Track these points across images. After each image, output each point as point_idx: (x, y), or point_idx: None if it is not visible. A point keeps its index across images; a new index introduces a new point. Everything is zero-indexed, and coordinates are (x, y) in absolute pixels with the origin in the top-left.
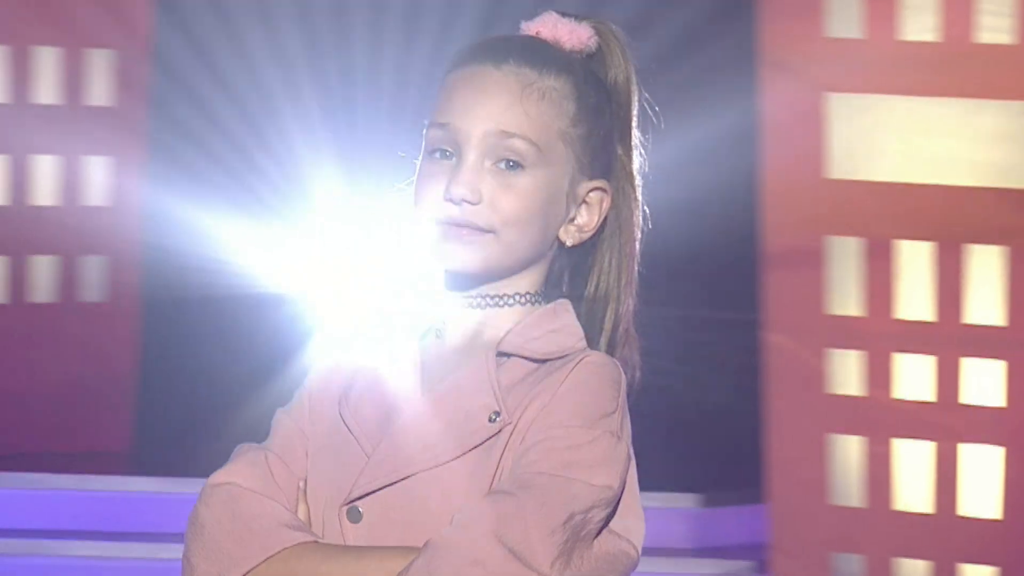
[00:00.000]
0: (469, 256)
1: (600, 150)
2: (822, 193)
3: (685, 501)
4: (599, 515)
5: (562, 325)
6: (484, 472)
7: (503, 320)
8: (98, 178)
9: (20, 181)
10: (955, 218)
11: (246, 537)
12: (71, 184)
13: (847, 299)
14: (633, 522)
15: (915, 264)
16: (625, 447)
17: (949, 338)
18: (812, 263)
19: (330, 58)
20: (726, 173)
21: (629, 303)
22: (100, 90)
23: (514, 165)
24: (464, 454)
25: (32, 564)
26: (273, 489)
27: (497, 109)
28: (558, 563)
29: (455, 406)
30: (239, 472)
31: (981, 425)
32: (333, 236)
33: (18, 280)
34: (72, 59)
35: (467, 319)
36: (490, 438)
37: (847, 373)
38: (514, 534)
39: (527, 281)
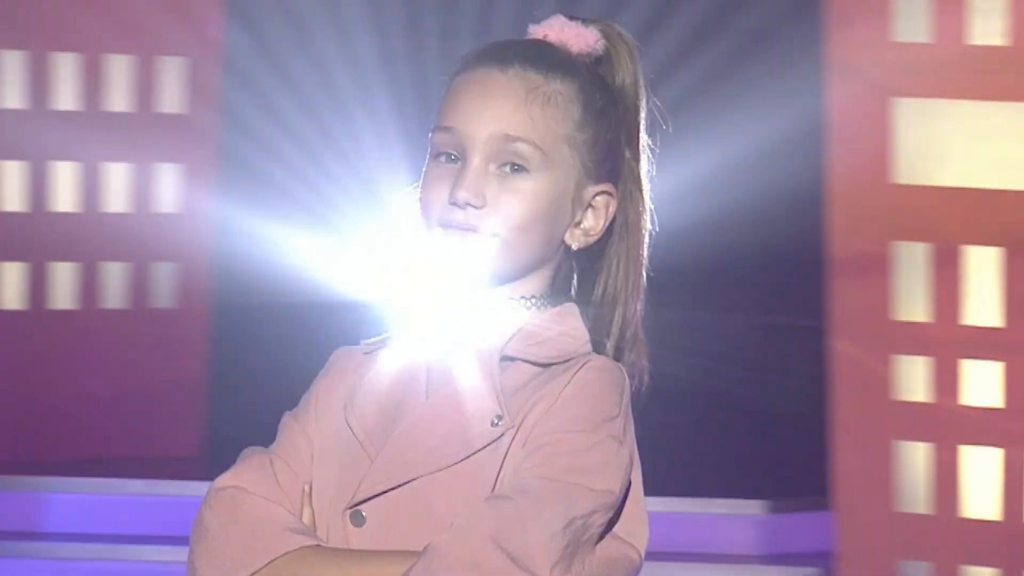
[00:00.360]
0: (473, 260)
1: (607, 154)
2: (888, 198)
3: (752, 508)
4: (600, 520)
5: (567, 329)
6: (487, 476)
7: (508, 324)
8: (169, 185)
9: (92, 188)
10: (1022, 223)
11: (249, 541)
12: (142, 191)
13: (914, 305)
14: (637, 527)
15: (982, 269)
16: (627, 452)
17: (1017, 344)
18: (878, 269)
19: (402, 62)
20: (797, 178)
21: (637, 307)
22: (171, 97)
23: (519, 169)
24: (467, 458)
25: (103, 569)
26: (277, 493)
27: (502, 113)
28: (558, 568)
29: (458, 410)
30: (243, 476)
31: None
32: (404, 242)
33: (90, 287)
34: (144, 67)
35: (472, 323)
36: (492, 442)
37: (913, 379)
38: (513, 539)
39: (532, 285)
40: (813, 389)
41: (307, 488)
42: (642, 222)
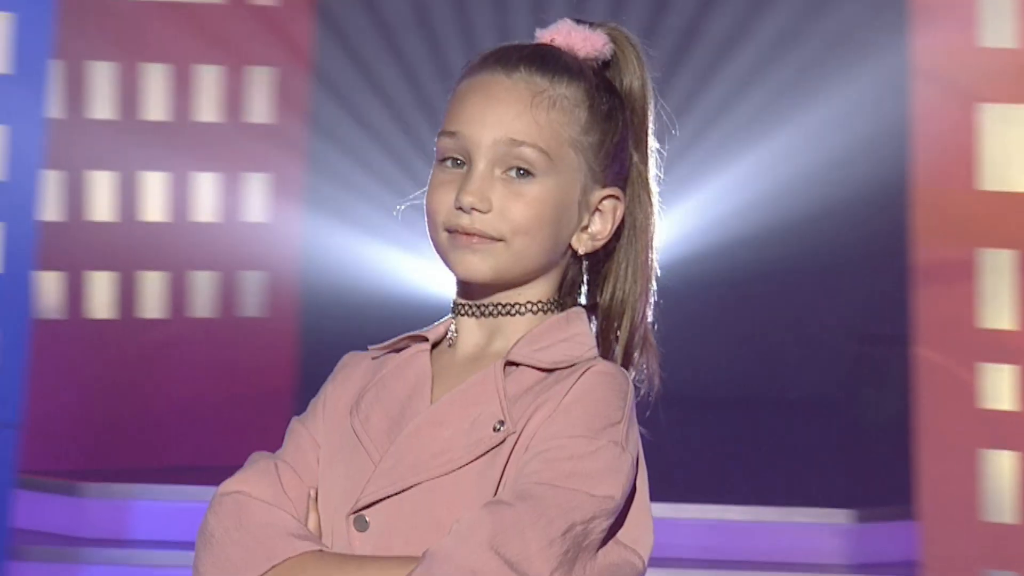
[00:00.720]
0: (479, 264)
1: (613, 158)
2: (973, 205)
3: (839, 517)
4: (601, 525)
5: (573, 334)
6: (489, 481)
7: (514, 329)
8: (258, 195)
9: (181, 198)
10: None
11: (252, 546)
12: (231, 201)
13: (999, 312)
14: (641, 533)
15: None
16: (629, 457)
17: None
18: (963, 276)
19: None
20: (894, 187)
21: (646, 311)
22: (260, 107)
23: (524, 173)
24: (469, 463)
25: None
26: (282, 498)
27: (507, 117)
28: (558, 573)
29: (461, 415)
30: (249, 481)
31: None
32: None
33: (178, 295)
34: (233, 77)
35: (479, 328)
36: (494, 447)
37: (999, 387)
38: (511, 545)
39: (539, 289)
40: (907, 397)
41: (313, 493)
42: (651, 226)
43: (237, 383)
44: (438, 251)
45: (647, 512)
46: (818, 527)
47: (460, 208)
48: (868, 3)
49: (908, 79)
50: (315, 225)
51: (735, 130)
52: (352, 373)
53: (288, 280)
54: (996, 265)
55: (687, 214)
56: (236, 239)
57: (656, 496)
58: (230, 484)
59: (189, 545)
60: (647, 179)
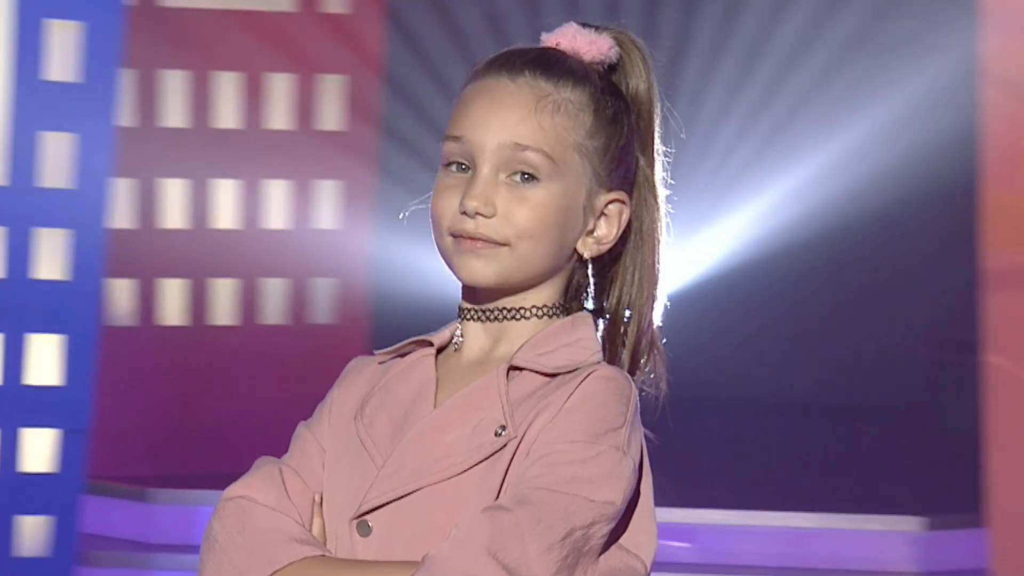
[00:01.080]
0: (483, 269)
1: (619, 162)
2: None
3: (910, 524)
4: (601, 531)
5: (577, 339)
6: (490, 486)
7: (519, 333)
8: (329, 202)
9: (252, 206)
10: None
11: (255, 551)
12: (302, 208)
13: None
14: (644, 538)
15: None
16: (631, 462)
17: None
18: None
19: None
20: (963, 189)
21: (652, 315)
22: (331, 115)
23: (529, 178)
24: (470, 468)
25: None
26: (286, 503)
27: (511, 122)
28: None
29: (464, 419)
30: (253, 486)
31: None
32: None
33: (249, 302)
34: (304, 84)
35: (484, 332)
36: (496, 452)
37: None
38: (510, 550)
39: (544, 294)
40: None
41: (317, 499)
42: (657, 230)
43: (307, 389)
44: (443, 256)
45: (651, 517)
46: (888, 535)
47: (464, 212)
48: (936, 5)
49: (977, 82)
50: (386, 232)
51: (804, 134)
52: (357, 378)
53: (359, 287)
54: None
55: (758, 218)
56: (307, 246)
57: (726, 502)
58: (235, 489)
59: None
60: (654, 183)
